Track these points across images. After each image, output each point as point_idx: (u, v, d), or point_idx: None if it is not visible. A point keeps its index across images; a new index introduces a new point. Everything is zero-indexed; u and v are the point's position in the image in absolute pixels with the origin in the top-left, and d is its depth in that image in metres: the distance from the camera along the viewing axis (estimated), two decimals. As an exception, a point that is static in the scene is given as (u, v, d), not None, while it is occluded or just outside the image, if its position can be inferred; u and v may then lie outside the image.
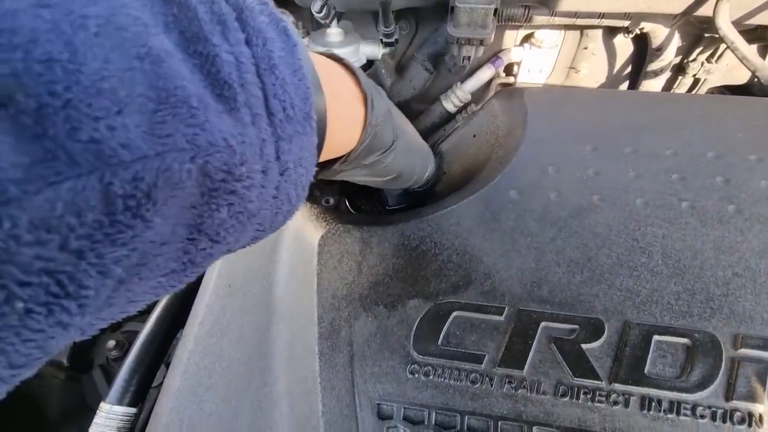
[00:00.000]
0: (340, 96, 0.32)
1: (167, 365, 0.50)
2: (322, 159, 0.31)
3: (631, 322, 0.38)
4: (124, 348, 0.69)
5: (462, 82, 1.09)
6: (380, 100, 0.37)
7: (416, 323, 0.41)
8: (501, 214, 0.46)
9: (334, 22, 0.83)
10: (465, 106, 1.12)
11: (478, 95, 1.12)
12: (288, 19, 0.85)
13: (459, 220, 0.45)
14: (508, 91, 0.57)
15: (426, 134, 1.18)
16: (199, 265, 0.23)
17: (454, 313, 0.41)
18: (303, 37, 0.90)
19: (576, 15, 0.92)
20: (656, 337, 0.38)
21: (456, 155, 0.61)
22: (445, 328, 0.40)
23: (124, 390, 0.48)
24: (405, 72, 1.11)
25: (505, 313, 0.40)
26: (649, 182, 0.45)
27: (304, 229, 0.46)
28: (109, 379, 0.69)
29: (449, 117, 1.15)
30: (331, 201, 0.76)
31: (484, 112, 0.56)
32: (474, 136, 0.57)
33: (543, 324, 0.39)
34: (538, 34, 1.05)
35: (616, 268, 0.41)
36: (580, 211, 0.45)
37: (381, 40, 0.86)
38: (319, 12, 0.79)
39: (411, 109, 1.18)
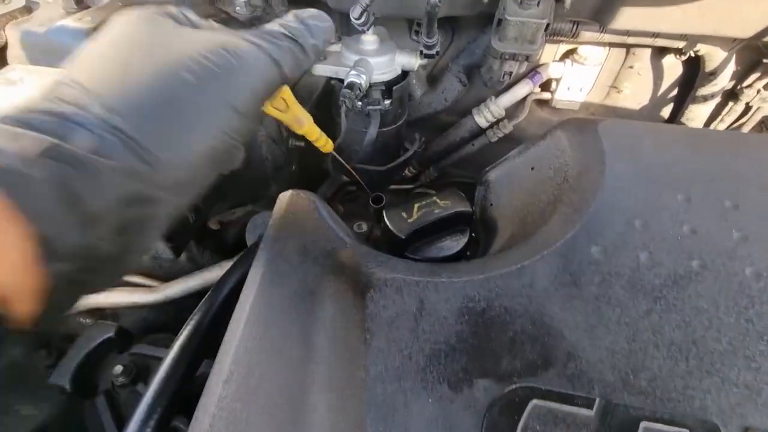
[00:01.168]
0: None
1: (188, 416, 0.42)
2: None
3: (755, 428, 0.31)
4: (131, 374, 0.61)
5: (496, 96, 1.02)
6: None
7: (486, 410, 0.34)
8: (582, 277, 0.38)
9: (372, 29, 0.75)
10: (497, 122, 1.05)
11: (512, 111, 1.05)
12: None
13: (532, 280, 0.38)
14: (577, 122, 0.49)
15: (454, 148, 1.11)
16: None
17: (533, 402, 0.34)
18: (335, 43, 0.82)
19: (627, 33, 0.85)
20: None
21: (508, 187, 0.53)
22: (523, 420, 0.33)
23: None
24: (438, 83, 1.03)
25: (595, 407, 0.33)
26: (760, 248, 0.38)
27: (350, 278, 0.39)
28: (114, 406, 0.61)
29: (480, 131, 1.07)
30: (364, 227, 0.69)
31: (547, 143, 0.49)
32: (532, 168, 0.50)
33: (644, 424, 0.32)
34: (582, 50, 0.97)
35: (728, 356, 0.34)
36: (678, 280, 0.38)
37: (421, 51, 0.78)
38: (359, 18, 0.71)
39: (440, 120, 1.10)
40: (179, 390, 0.44)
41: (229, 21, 0.65)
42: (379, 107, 0.78)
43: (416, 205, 0.51)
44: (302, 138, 0.84)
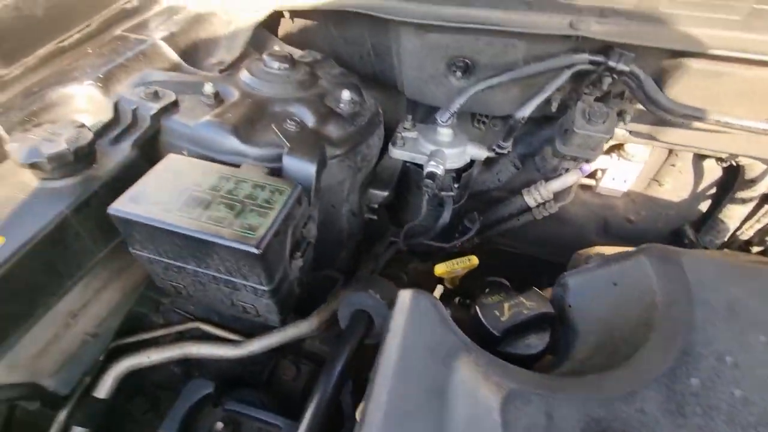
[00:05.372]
0: None
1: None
2: None
3: None
4: (230, 430, 0.65)
5: (546, 180, 1.09)
6: None
7: None
8: (686, 408, 0.42)
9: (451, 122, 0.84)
10: (544, 202, 1.12)
11: (557, 193, 1.11)
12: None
13: (643, 406, 0.42)
14: (660, 250, 0.54)
15: (501, 221, 1.17)
16: None
17: None
18: (409, 129, 0.90)
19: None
20: None
21: (588, 295, 0.57)
22: None
23: None
24: (493, 164, 1.11)
25: None
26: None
27: (478, 383, 0.42)
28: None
29: (527, 209, 1.14)
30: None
31: (631, 265, 0.54)
32: (615, 284, 0.55)
33: None
34: (629, 147, 1.05)
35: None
36: (768, 418, 0.42)
37: (494, 149, 0.86)
38: (446, 121, 0.80)
39: (490, 196, 1.17)
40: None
41: (330, 115, 0.73)
42: (452, 194, 0.86)
43: (506, 305, 0.57)
44: (376, 211, 0.92)
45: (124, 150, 0.61)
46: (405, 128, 0.92)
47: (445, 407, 0.41)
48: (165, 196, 0.54)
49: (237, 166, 0.61)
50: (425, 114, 1.08)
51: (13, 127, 0.61)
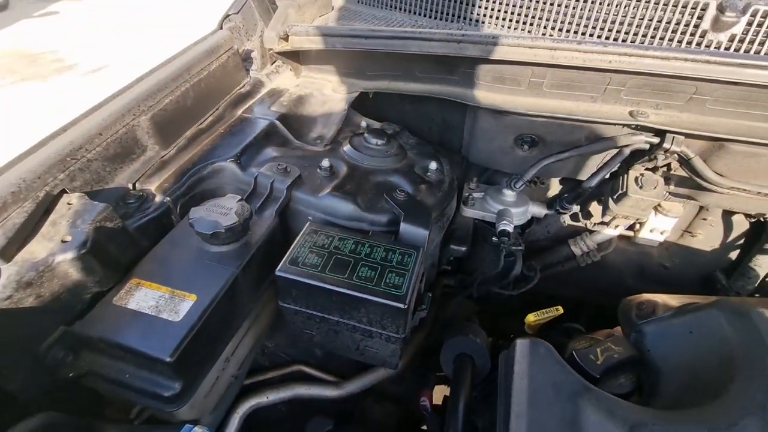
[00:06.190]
0: None
1: None
2: None
3: None
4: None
5: (590, 232, 1.21)
6: None
7: None
8: None
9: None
10: (588, 251, 1.23)
11: (600, 244, 1.23)
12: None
13: None
14: (731, 304, 0.64)
15: (547, 268, 1.28)
16: None
17: None
18: (477, 190, 1.03)
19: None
20: None
21: (665, 341, 0.66)
22: None
23: None
24: (544, 218, 1.24)
25: None
26: None
27: (608, 422, 0.50)
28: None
29: (572, 257, 1.25)
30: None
31: (705, 315, 0.64)
32: (690, 332, 0.66)
33: None
34: (665, 204, 1.18)
35: None
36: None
37: (557, 210, 0.99)
38: (519, 188, 0.93)
39: (538, 246, 1.29)
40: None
41: (423, 183, 0.86)
42: (521, 248, 0.97)
43: (598, 350, 0.67)
44: (451, 263, 1.03)
45: (269, 218, 0.73)
46: (471, 188, 1.06)
47: (580, 438, 0.50)
48: (315, 259, 0.65)
49: (363, 231, 0.73)
50: (478, 173, 1.22)
51: (178, 198, 0.73)
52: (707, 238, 1.21)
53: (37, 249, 0.53)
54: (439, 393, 0.98)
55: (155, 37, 5.37)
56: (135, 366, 0.56)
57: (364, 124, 1.02)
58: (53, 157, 0.58)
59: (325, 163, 0.82)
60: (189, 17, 5.81)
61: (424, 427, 0.99)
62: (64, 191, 0.60)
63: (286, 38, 0.93)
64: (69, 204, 0.58)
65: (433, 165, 0.89)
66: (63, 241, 0.54)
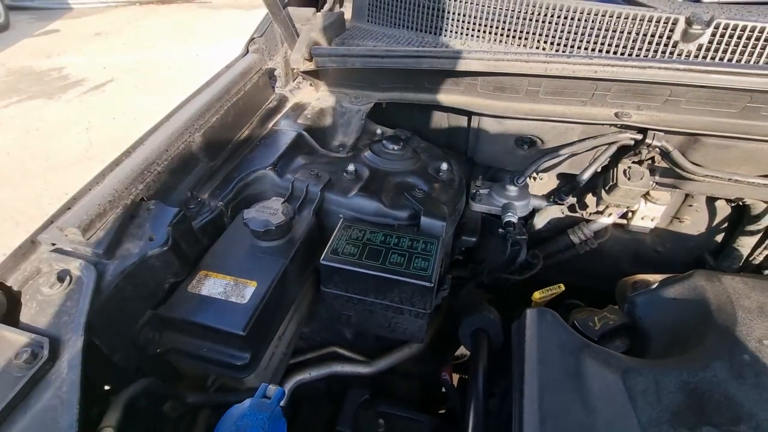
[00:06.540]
0: None
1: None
2: None
3: None
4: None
5: (587, 222, 1.33)
6: None
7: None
8: (743, 372, 0.58)
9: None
10: (586, 240, 1.35)
11: (597, 232, 1.35)
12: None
13: (715, 373, 0.59)
14: (707, 273, 0.75)
15: (549, 256, 1.39)
16: None
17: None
18: (482, 186, 1.15)
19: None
20: None
21: (653, 309, 0.78)
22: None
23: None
24: (544, 210, 1.36)
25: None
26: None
27: (605, 369, 0.62)
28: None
29: (571, 245, 1.37)
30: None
31: (684, 287, 0.76)
32: (674, 299, 0.77)
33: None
34: (654, 193, 1.30)
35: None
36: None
37: (555, 201, 1.11)
38: (521, 183, 1.05)
39: (540, 236, 1.41)
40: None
41: (437, 182, 0.98)
42: (525, 237, 1.09)
43: (596, 318, 0.79)
44: (462, 253, 1.15)
45: (307, 217, 0.85)
46: (477, 186, 1.17)
47: (582, 382, 0.61)
48: (352, 249, 0.77)
49: (390, 225, 0.85)
50: (483, 171, 1.33)
51: (228, 203, 0.85)
52: (694, 223, 1.32)
53: (130, 246, 0.64)
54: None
55: (155, 49, 5.50)
56: (211, 341, 0.67)
57: (379, 131, 1.14)
58: (135, 171, 0.70)
59: (351, 167, 0.93)
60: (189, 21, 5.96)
61: (442, 402, 1.10)
62: (143, 199, 0.71)
63: (310, 59, 1.05)
64: (149, 209, 0.70)
65: (444, 166, 1.00)
66: (150, 240, 0.65)
